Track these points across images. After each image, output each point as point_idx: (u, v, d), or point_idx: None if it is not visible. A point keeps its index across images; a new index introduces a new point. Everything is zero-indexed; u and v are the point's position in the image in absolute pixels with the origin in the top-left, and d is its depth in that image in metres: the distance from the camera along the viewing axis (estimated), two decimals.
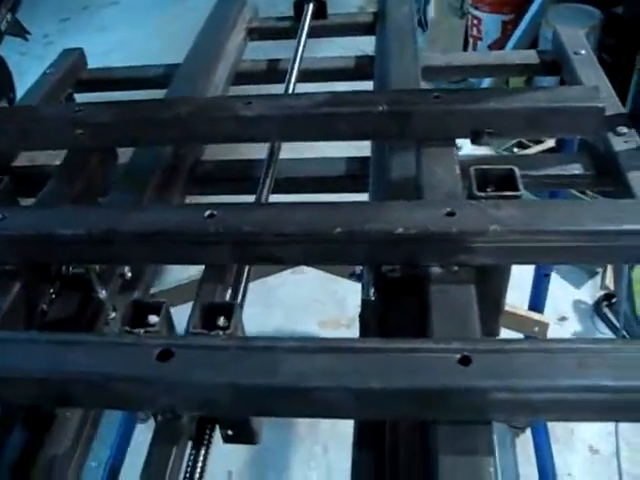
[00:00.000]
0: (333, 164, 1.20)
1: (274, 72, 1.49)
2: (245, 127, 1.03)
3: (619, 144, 1.07)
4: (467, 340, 0.68)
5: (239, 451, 2.21)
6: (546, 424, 2.03)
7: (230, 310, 0.72)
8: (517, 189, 0.82)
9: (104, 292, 0.92)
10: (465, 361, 0.63)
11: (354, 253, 0.82)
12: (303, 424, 2.27)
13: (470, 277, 0.79)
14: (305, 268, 2.36)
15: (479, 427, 0.64)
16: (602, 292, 2.55)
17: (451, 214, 0.79)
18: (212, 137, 1.08)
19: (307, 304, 2.61)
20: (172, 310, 0.77)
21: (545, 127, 1.02)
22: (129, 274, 0.96)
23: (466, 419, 0.64)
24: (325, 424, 2.24)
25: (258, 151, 1.12)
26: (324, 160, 1.22)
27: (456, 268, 0.80)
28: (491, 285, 0.84)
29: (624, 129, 1.09)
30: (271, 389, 0.64)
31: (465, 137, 1.01)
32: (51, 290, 0.93)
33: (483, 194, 0.82)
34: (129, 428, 2.00)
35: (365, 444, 0.73)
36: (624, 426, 1.91)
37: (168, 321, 0.74)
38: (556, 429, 2.12)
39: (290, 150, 1.15)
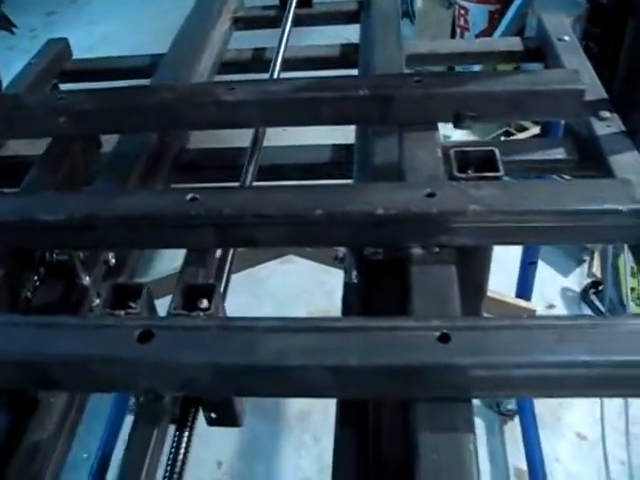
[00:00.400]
0: (318, 151, 1.20)
1: (259, 61, 1.49)
2: (228, 112, 1.03)
3: (601, 128, 1.08)
4: (446, 318, 0.69)
5: (229, 441, 2.22)
6: (534, 411, 2.05)
7: (211, 291, 0.72)
8: (497, 170, 0.83)
9: (88, 279, 0.92)
10: (444, 338, 0.63)
11: (335, 235, 0.82)
12: (293, 414, 2.28)
13: (451, 258, 0.79)
14: (293, 258, 2.37)
15: (459, 405, 0.64)
16: (589, 280, 2.57)
17: (431, 195, 0.79)
18: (195, 123, 1.08)
19: (296, 294, 2.61)
20: (161, 301, 0.77)
21: (526, 110, 1.02)
22: (113, 261, 0.96)
23: (446, 396, 0.64)
24: (316, 414, 2.24)
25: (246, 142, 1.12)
26: (309, 147, 1.22)
27: (437, 249, 0.80)
28: (473, 267, 0.84)
29: (606, 114, 1.10)
30: (251, 368, 0.64)
31: (447, 121, 1.01)
32: (35, 277, 0.93)
33: (463, 175, 0.82)
34: (119, 419, 1.99)
35: (347, 422, 0.73)
36: (610, 412, 1.93)
37: (149, 303, 0.74)
38: (544, 416, 2.14)
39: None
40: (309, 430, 2.23)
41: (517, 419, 2.17)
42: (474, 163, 0.86)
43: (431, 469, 0.60)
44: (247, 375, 0.65)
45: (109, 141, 1.16)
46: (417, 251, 0.80)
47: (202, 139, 1.25)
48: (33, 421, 0.76)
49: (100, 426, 1.98)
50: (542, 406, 2.14)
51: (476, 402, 2.24)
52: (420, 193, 0.79)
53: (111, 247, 0.93)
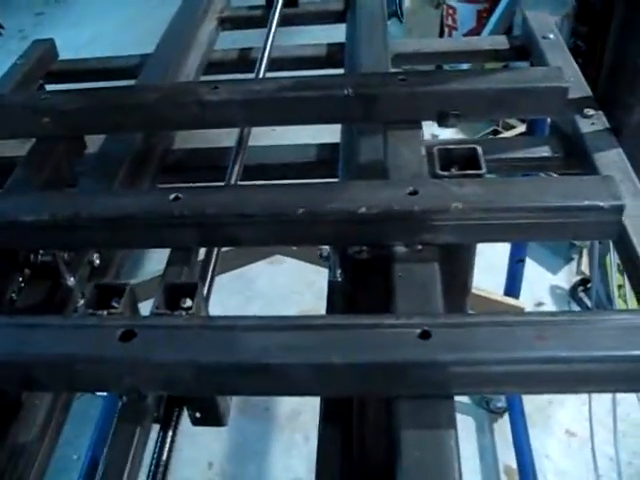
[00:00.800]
0: (304, 150, 1.20)
1: (246, 61, 1.49)
2: (211, 112, 1.03)
3: (586, 126, 1.08)
4: (427, 315, 0.69)
5: (220, 442, 2.22)
6: (523, 409, 2.05)
7: (193, 290, 0.72)
8: (480, 168, 0.83)
9: (72, 279, 0.92)
10: (425, 335, 0.64)
11: (318, 233, 0.82)
12: (284, 413, 2.28)
13: (434, 255, 0.80)
14: (282, 259, 2.37)
15: (440, 401, 0.64)
16: (578, 277, 2.58)
17: (414, 193, 0.79)
18: (179, 123, 1.08)
19: (286, 294, 2.61)
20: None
21: (510, 107, 1.03)
22: (97, 261, 0.96)
23: (427, 393, 0.65)
24: (306, 413, 2.24)
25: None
26: (295, 147, 1.22)
27: (420, 247, 0.80)
28: (457, 264, 0.85)
29: (591, 111, 1.10)
30: (233, 366, 0.64)
31: (431, 119, 1.01)
32: (20, 278, 0.93)
33: (446, 173, 0.82)
34: (109, 421, 1.98)
35: (332, 421, 0.73)
36: (598, 409, 1.94)
37: (132, 303, 0.74)
38: (533, 414, 2.14)
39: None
40: (299, 430, 2.23)
41: (507, 417, 2.17)
42: (458, 161, 0.86)
43: (413, 466, 0.60)
44: (229, 373, 0.65)
45: (95, 142, 1.15)
46: (400, 249, 0.80)
47: (190, 139, 1.25)
48: (18, 422, 0.76)
49: (90, 428, 1.97)
50: (532, 404, 2.14)
51: (466, 400, 2.24)
52: (402, 191, 0.80)
53: (94, 247, 0.93)
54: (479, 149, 0.85)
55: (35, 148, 1.10)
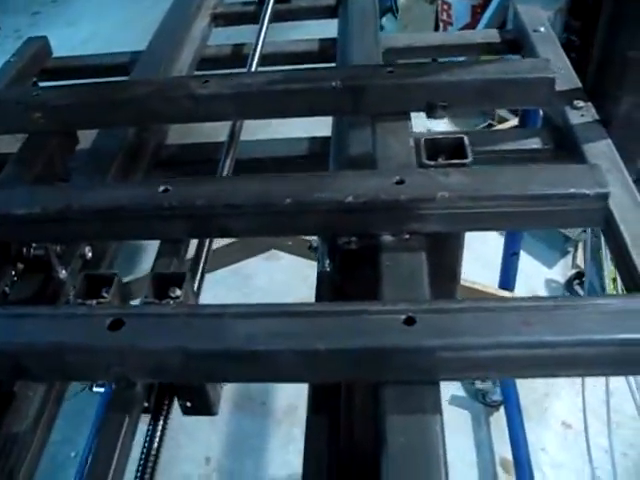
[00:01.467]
0: (295, 144, 1.21)
1: (238, 57, 1.49)
2: (202, 106, 1.04)
3: (576, 117, 1.09)
4: (412, 301, 0.69)
5: (217, 437, 2.22)
6: (519, 401, 2.06)
7: (181, 280, 0.72)
8: (466, 157, 0.84)
9: (64, 272, 0.92)
10: (410, 321, 0.64)
11: (305, 223, 0.83)
12: (280, 408, 2.29)
13: (421, 244, 0.80)
14: (279, 255, 2.38)
15: (425, 387, 0.65)
16: (573, 271, 2.58)
17: (400, 182, 0.80)
18: (170, 117, 1.09)
19: (283, 289, 2.62)
20: None
21: (498, 98, 1.03)
22: (90, 254, 0.97)
23: (413, 379, 0.65)
24: (303, 407, 2.24)
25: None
26: (286, 140, 1.23)
27: (407, 236, 0.81)
28: (444, 253, 0.85)
29: (580, 103, 1.11)
30: (220, 353, 0.65)
31: (419, 110, 1.02)
32: (12, 272, 0.93)
33: (432, 163, 0.83)
34: None
35: (319, 407, 0.74)
36: (593, 400, 1.94)
37: (121, 292, 0.74)
38: (529, 407, 2.15)
39: None
40: (297, 424, 2.23)
41: (503, 409, 2.18)
42: (445, 151, 0.86)
43: (398, 451, 0.60)
44: (216, 360, 0.66)
45: (87, 138, 1.16)
46: (387, 238, 0.81)
47: (186, 133, 1.26)
48: (11, 413, 0.77)
49: (87, 424, 1.97)
50: (528, 396, 2.15)
51: (462, 393, 2.25)
52: (389, 181, 0.80)
53: (85, 239, 0.93)
54: (465, 138, 0.85)
55: (27, 144, 1.10)
